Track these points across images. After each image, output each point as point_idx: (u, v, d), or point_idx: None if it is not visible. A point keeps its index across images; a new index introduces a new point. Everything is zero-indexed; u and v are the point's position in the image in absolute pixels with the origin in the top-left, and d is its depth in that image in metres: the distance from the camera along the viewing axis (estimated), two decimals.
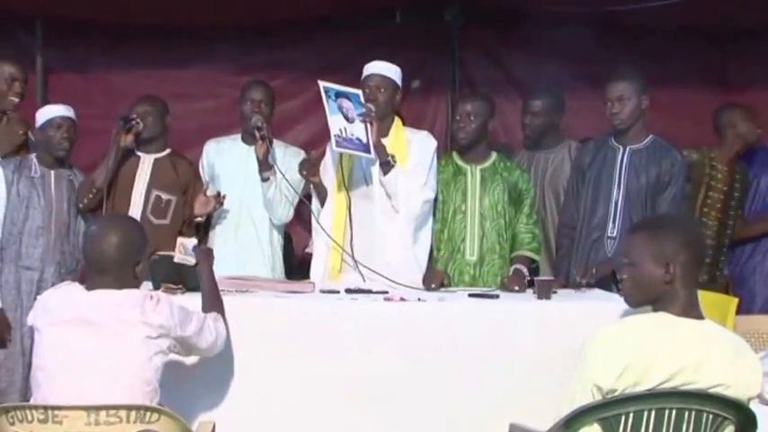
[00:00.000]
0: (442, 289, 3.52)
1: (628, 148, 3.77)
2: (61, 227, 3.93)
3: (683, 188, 3.81)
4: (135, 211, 3.94)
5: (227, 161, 4.05)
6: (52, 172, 3.96)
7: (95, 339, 2.46)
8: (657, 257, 2.37)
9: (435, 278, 3.56)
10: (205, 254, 3.07)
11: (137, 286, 2.61)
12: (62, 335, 2.49)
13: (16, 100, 4.09)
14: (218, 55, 5.02)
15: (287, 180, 3.88)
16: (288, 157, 4.01)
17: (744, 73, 5.12)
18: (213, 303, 2.89)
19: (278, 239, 4.09)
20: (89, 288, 2.57)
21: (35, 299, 3.67)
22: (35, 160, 3.97)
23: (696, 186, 4.39)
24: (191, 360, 2.92)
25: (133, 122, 3.91)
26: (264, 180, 3.91)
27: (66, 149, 3.95)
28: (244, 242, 4.00)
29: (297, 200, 3.99)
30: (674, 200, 3.71)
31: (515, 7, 4.83)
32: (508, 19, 5.00)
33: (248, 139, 4.02)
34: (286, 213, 4.02)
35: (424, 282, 3.56)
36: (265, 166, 3.90)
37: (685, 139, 4.32)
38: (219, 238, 4.02)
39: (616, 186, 3.75)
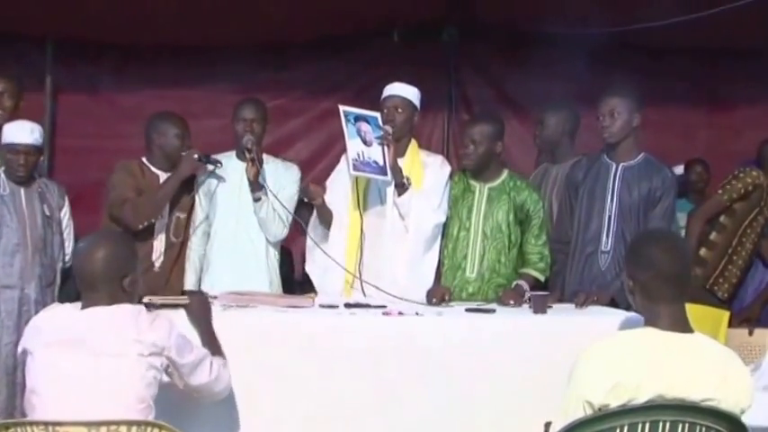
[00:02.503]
0: (443, 304, 3.55)
1: (620, 165, 3.81)
2: (37, 241, 3.89)
3: (674, 204, 3.85)
4: (161, 235, 3.97)
5: (222, 178, 4.04)
6: (21, 187, 3.91)
7: (87, 358, 2.42)
8: (627, 272, 2.47)
9: (437, 293, 3.60)
10: (198, 304, 3.02)
11: (130, 301, 2.57)
12: (54, 356, 2.45)
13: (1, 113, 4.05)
14: (223, 74, 5.09)
15: (278, 200, 3.91)
16: (279, 173, 4.04)
17: (732, 91, 5.18)
18: (215, 350, 2.80)
19: (274, 254, 4.09)
20: (83, 307, 2.53)
21: (18, 316, 3.73)
22: (3, 176, 3.91)
23: (750, 207, 4.40)
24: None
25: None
26: (256, 200, 3.93)
27: (23, 175, 3.89)
28: (241, 257, 4.00)
29: (290, 216, 4.00)
30: (664, 216, 3.74)
31: (511, 27, 4.90)
32: (504, 38, 5.08)
33: (242, 156, 4.02)
34: (281, 230, 4.02)
35: (427, 296, 3.62)
36: (256, 186, 3.92)
37: (673, 155, 4.38)
38: (217, 254, 4.04)
39: (609, 201, 3.79)
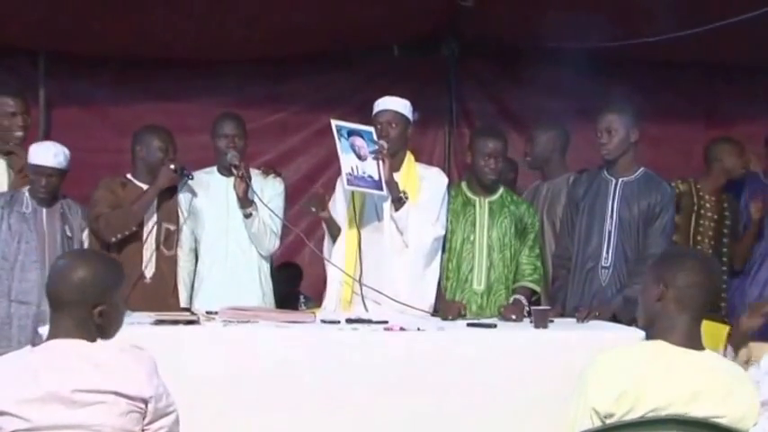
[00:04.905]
0: (459, 319, 3.53)
1: (620, 180, 3.85)
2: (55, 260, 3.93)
3: (673, 218, 3.89)
4: (149, 245, 3.99)
5: (206, 195, 4.04)
6: (44, 207, 3.98)
7: (65, 411, 2.20)
8: (656, 278, 2.44)
9: (452, 309, 3.59)
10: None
11: (101, 333, 2.31)
12: (30, 413, 2.19)
13: (20, 134, 4.12)
14: (220, 89, 5.06)
15: (274, 213, 3.92)
16: (267, 188, 4.04)
17: (731, 107, 5.22)
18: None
19: (266, 267, 4.09)
20: (50, 335, 2.29)
21: (33, 333, 3.69)
22: (27, 194, 3.99)
23: (686, 216, 4.49)
24: (187, 392, 2.88)
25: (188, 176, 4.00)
26: (247, 216, 3.93)
27: (45, 197, 3.96)
28: (234, 271, 4.00)
29: (280, 229, 4.01)
30: (664, 230, 3.79)
31: (511, 42, 4.93)
32: (504, 53, 5.10)
33: (224, 171, 4.03)
34: (272, 244, 4.03)
35: (440, 312, 3.61)
36: (246, 202, 3.91)
37: (673, 171, 4.42)
38: (209, 270, 4.03)
39: (609, 217, 3.82)
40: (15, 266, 3.90)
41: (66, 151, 3.99)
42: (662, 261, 2.50)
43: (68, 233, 4.00)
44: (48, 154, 3.93)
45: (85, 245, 4.05)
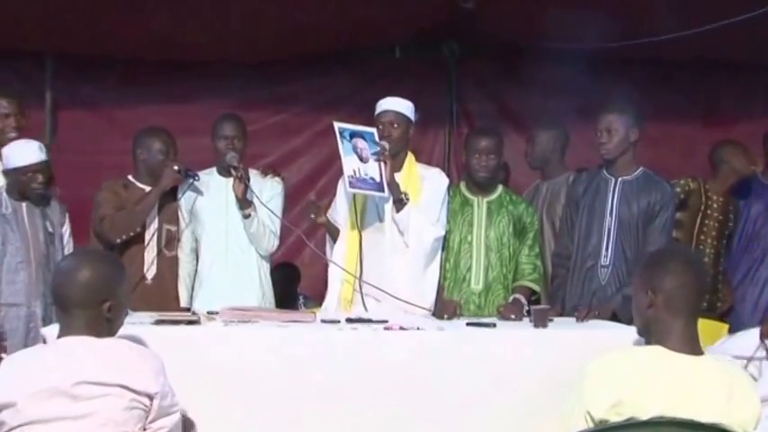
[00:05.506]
0: (455, 318, 3.56)
1: (619, 180, 3.86)
2: (41, 258, 3.91)
3: (672, 217, 3.91)
4: (151, 247, 4.01)
5: (206, 195, 4.07)
6: (23, 204, 3.94)
7: (72, 405, 2.26)
8: (644, 284, 2.43)
9: (448, 308, 3.61)
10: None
11: (110, 328, 2.39)
12: (38, 408, 2.25)
13: (14, 135, 4.05)
14: (224, 90, 5.08)
15: (273, 213, 3.95)
16: (265, 188, 4.06)
17: (732, 106, 5.22)
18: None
19: (266, 266, 4.12)
20: (60, 334, 2.36)
21: (26, 334, 3.74)
22: (5, 194, 3.93)
23: (692, 214, 4.52)
24: (188, 392, 2.83)
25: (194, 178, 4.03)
26: (246, 217, 3.96)
27: (44, 191, 3.92)
28: (234, 272, 4.03)
29: (279, 229, 4.04)
30: (663, 229, 3.80)
31: (512, 42, 4.94)
32: (505, 53, 5.11)
33: (224, 172, 4.06)
34: (271, 244, 4.06)
35: (436, 312, 3.63)
36: (244, 203, 3.94)
37: (674, 171, 4.43)
38: (209, 270, 4.06)
39: (608, 216, 3.84)
40: (2, 269, 3.85)
41: (40, 143, 3.98)
42: (647, 267, 2.47)
43: (50, 229, 3.98)
44: (32, 151, 3.87)
45: (65, 239, 4.06)
